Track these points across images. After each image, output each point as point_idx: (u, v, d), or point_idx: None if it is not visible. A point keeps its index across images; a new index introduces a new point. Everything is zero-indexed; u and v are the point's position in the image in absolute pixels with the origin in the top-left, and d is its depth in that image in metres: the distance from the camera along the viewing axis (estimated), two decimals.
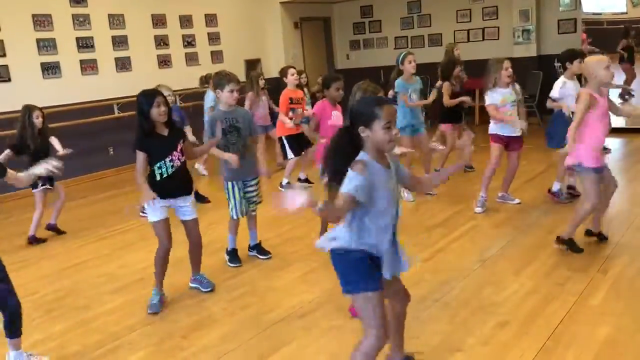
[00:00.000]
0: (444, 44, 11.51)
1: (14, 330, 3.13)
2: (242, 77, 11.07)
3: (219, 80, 4.39)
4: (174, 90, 9.49)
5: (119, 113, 8.79)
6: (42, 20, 8.26)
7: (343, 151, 2.41)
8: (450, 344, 3.17)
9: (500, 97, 5.18)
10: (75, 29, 8.67)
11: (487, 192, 5.46)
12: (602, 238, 4.48)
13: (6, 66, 7.89)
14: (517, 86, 5.41)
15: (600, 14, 9.98)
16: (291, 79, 6.63)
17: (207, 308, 3.91)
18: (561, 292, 3.67)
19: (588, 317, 3.34)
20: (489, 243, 4.66)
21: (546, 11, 10.54)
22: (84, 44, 8.79)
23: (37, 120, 5.56)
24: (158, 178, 3.77)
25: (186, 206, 3.95)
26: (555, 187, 5.65)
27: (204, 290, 4.14)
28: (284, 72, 6.91)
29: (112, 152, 8.88)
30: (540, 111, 9.60)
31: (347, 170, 2.32)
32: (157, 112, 3.66)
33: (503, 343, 3.14)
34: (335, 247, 2.48)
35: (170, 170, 3.78)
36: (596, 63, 4.04)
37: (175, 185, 3.84)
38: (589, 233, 4.52)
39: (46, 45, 8.32)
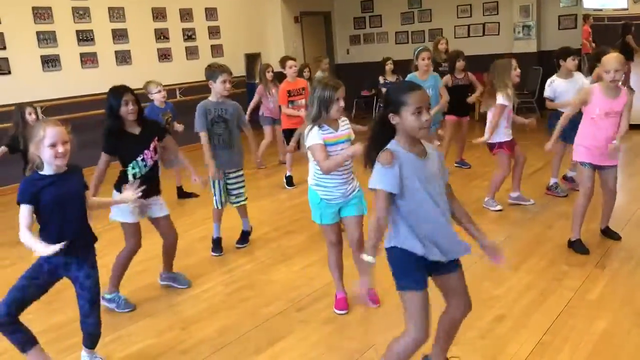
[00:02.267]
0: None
1: (90, 344, 3.16)
2: (242, 71, 11.12)
3: (212, 72, 4.44)
4: (176, 84, 9.61)
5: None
6: (42, 13, 8.25)
7: (377, 140, 2.38)
8: None
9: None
10: (76, 21, 8.67)
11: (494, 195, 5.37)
12: (609, 235, 4.42)
13: (6, 59, 7.89)
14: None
15: (601, 10, 9.95)
16: (289, 71, 6.57)
17: (206, 300, 3.93)
18: (559, 286, 3.69)
19: (585, 311, 3.36)
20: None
21: (547, 7, 10.54)
22: (84, 37, 8.78)
23: (30, 117, 5.49)
24: (131, 179, 3.65)
25: (157, 204, 3.88)
26: (552, 182, 5.67)
27: (179, 287, 4.12)
28: (282, 63, 6.87)
29: None
30: (539, 107, 9.60)
31: (375, 156, 2.33)
32: (126, 111, 3.59)
33: (501, 336, 3.16)
34: (388, 246, 2.45)
35: (144, 170, 3.72)
36: (602, 63, 3.93)
37: (149, 186, 3.70)
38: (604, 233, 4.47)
39: (46, 38, 8.32)
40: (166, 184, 4.34)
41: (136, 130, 3.70)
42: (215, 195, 4.61)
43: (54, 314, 3.83)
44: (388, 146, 2.34)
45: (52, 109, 8.10)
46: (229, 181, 4.62)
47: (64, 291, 4.26)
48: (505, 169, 5.24)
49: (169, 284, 4.17)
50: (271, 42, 11.76)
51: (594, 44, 9.53)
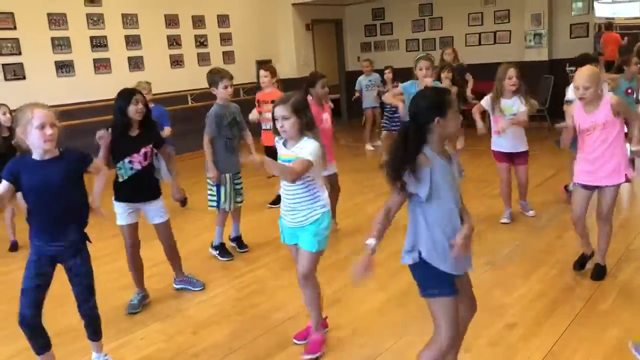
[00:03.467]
0: (455, 47, 11.52)
1: (93, 333, 3.20)
2: (253, 78, 11.18)
3: (213, 77, 4.56)
4: (187, 90, 9.68)
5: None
6: (57, 19, 8.36)
7: (409, 150, 2.31)
8: None
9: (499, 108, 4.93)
10: (90, 28, 8.77)
11: (510, 204, 5.27)
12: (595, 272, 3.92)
13: (21, 64, 7.99)
14: (528, 100, 4.98)
15: (613, 18, 9.95)
16: (261, 80, 6.25)
17: (217, 305, 3.95)
18: (570, 296, 3.68)
19: (596, 321, 3.34)
20: (499, 246, 4.66)
21: (558, 15, 10.52)
22: (98, 43, 8.88)
23: (4, 117, 5.39)
24: (120, 179, 3.74)
25: (153, 209, 3.89)
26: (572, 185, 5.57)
27: (194, 289, 4.19)
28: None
29: None
30: (551, 116, 9.58)
31: (407, 167, 2.29)
32: (134, 110, 3.64)
33: (511, 345, 3.16)
34: (414, 262, 2.45)
35: (129, 173, 3.71)
36: (575, 76, 3.72)
37: (134, 191, 3.76)
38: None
39: (61, 44, 8.42)
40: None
41: (134, 132, 3.72)
42: (221, 199, 4.64)
43: (66, 316, 3.86)
44: (423, 151, 2.33)
45: (65, 114, 8.17)
46: (236, 181, 4.70)
47: (72, 295, 4.31)
48: (502, 179, 5.15)
49: (184, 286, 4.22)
50: (282, 49, 11.82)
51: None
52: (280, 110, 2.92)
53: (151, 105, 5.83)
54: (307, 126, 2.98)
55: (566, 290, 3.75)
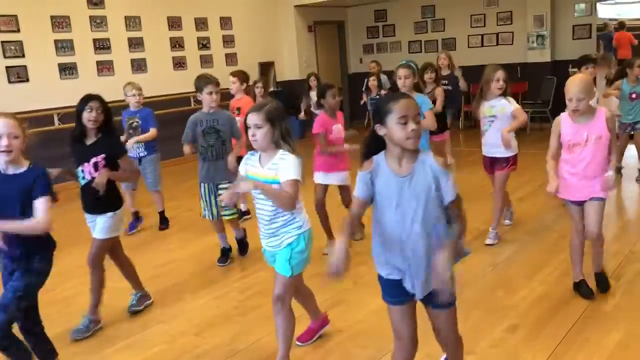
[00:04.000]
0: (457, 48, 11.55)
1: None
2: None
3: (198, 83, 4.45)
4: (190, 92, 9.66)
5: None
6: (60, 22, 8.38)
7: (368, 153, 2.33)
8: None
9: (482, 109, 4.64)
10: (93, 30, 8.79)
11: (503, 214, 5.00)
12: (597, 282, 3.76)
13: (25, 67, 8.01)
14: (506, 99, 4.59)
15: (616, 19, 9.94)
16: (233, 87, 5.93)
17: (220, 306, 3.95)
18: (573, 297, 3.67)
19: (599, 322, 3.34)
20: (501, 247, 4.66)
21: (561, 17, 10.51)
22: (101, 45, 8.90)
23: None
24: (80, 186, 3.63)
25: (97, 223, 3.63)
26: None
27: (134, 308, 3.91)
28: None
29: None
30: (553, 117, 9.57)
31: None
32: (87, 117, 3.46)
33: (514, 346, 3.16)
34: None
35: (82, 182, 3.59)
36: (566, 88, 3.42)
37: (85, 201, 3.64)
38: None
39: (64, 47, 8.44)
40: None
41: (89, 140, 3.55)
42: (204, 207, 4.57)
43: (71, 318, 3.87)
44: (374, 156, 2.31)
45: (68, 116, 8.21)
46: (220, 191, 4.36)
47: (80, 295, 4.33)
48: (495, 191, 4.75)
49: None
50: (285, 51, 11.83)
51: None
52: (253, 118, 2.72)
53: (139, 108, 5.75)
54: (282, 137, 2.75)
55: (569, 291, 3.74)
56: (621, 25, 9.72)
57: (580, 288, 3.68)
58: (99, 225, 3.62)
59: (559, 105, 5.49)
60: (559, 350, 3.07)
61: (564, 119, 3.51)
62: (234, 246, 4.89)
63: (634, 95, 6.31)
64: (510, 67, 10.80)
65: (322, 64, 12.52)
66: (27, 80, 8.04)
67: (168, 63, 9.83)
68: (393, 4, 12.30)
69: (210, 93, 4.42)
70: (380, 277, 2.41)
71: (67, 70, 8.49)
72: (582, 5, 10.25)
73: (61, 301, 4.19)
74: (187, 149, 4.53)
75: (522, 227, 5.13)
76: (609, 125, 3.39)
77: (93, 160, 3.51)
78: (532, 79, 10.41)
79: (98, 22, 8.84)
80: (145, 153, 5.67)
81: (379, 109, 2.26)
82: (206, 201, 4.55)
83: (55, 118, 8.08)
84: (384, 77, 9.36)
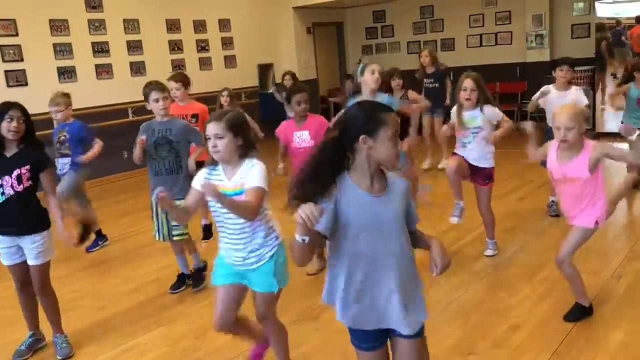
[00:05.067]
0: (457, 48, 11.56)
1: None
2: (255, 82, 11.21)
3: (144, 91, 4.00)
4: (189, 95, 9.65)
5: (133, 117, 8.87)
6: (58, 25, 8.38)
7: (324, 169, 1.94)
8: (463, 347, 3.18)
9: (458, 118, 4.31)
10: (91, 33, 8.79)
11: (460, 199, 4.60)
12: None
13: (23, 70, 8.01)
14: (490, 110, 4.29)
15: (614, 18, 9.94)
16: (177, 93, 5.11)
17: None
18: (574, 296, 3.66)
19: (601, 322, 3.33)
20: (502, 247, 4.65)
21: (560, 16, 10.50)
22: (100, 48, 8.90)
23: None
24: None
25: (29, 247, 3.26)
26: (550, 199, 5.35)
27: (57, 357, 3.44)
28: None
29: (126, 156, 8.95)
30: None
31: (323, 193, 1.91)
32: (6, 127, 3.15)
33: (516, 346, 3.15)
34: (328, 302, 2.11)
35: (1, 198, 3.18)
36: (554, 115, 3.16)
37: (5, 221, 3.22)
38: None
39: (62, 50, 8.44)
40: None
41: (10, 152, 3.22)
42: (155, 226, 4.08)
43: (70, 322, 3.86)
44: (339, 179, 1.95)
45: None
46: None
47: (81, 299, 4.33)
48: (485, 211, 4.48)
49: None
50: (284, 52, 11.83)
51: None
52: (213, 128, 2.52)
53: (70, 121, 5.25)
54: (246, 148, 2.58)
55: (570, 290, 3.73)
56: (638, 19, 9.60)
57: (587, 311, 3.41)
58: (36, 248, 3.26)
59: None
60: (561, 350, 3.06)
61: (552, 147, 3.25)
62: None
63: None
64: (510, 67, 10.85)
65: (321, 66, 12.53)
66: (26, 84, 8.04)
67: (167, 66, 9.82)
68: (391, 4, 12.30)
69: (157, 100, 3.90)
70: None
71: (66, 73, 8.49)
72: (581, 4, 10.24)
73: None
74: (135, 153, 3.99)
75: (522, 227, 5.12)
76: (592, 165, 3.07)
77: (16, 172, 3.17)
78: (532, 78, 10.38)
79: (97, 26, 8.84)
80: (70, 169, 5.13)
81: (365, 117, 1.94)
82: (157, 220, 4.04)
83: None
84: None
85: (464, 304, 3.71)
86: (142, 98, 4.07)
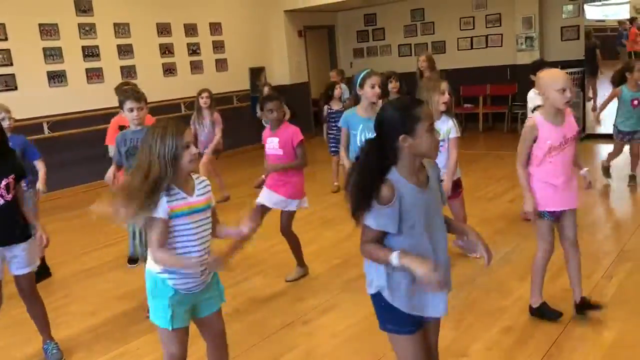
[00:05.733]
0: (447, 51, 11.60)
1: None
2: (246, 85, 11.20)
3: (119, 97, 3.85)
4: (180, 98, 9.67)
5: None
6: (48, 30, 8.34)
7: (372, 172, 2.02)
8: (455, 349, 3.18)
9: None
10: (81, 37, 8.75)
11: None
12: (587, 307, 3.43)
13: (13, 75, 7.95)
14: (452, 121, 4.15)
15: (604, 21, 10.01)
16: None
17: None
18: (566, 297, 3.66)
19: (593, 322, 3.34)
20: (494, 249, 4.57)
21: (549, 18, 10.57)
22: (90, 52, 8.86)
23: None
24: None
25: (19, 256, 3.20)
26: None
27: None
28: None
29: None
30: None
31: (370, 195, 2.00)
32: None
33: (508, 348, 3.15)
34: (374, 291, 2.16)
35: None
36: (550, 81, 3.11)
37: (6, 228, 3.14)
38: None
39: (52, 54, 8.40)
40: None
41: None
42: (130, 243, 3.96)
43: (60, 329, 3.83)
44: (389, 176, 2.03)
45: (58, 124, 8.17)
46: None
47: (71, 305, 4.30)
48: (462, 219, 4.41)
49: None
50: (275, 56, 11.83)
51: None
52: (189, 136, 2.41)
53: (8, 134, 4.94)
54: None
55: (562, 291, 3.74)
56: (631, 21, 9.66)
57: (545, 312, 3.42)
58: (25, 255, 3.21)
59: None
60: (553, 351, 3.07)
61: (540, 121, 3.17)
62: None
63: (635, 102, 5.91)
64: (500, 69, 10.90)
65: (312, 69, 12.54)
66: (16, 88, 7.98)
67: (158, 69, 9.80)
68: (383, 7, 12.34)
69: (131, 110, 3.73)
70: (393, 310, 2.12)
71: (56, 78, 8.44)
72: (570, 7, 10.31)
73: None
74: (109, 172, 3.87)
75: (513, 229, 5.13)
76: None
77: (4, 182, 3.08)
78: (522, 80, 10.41)
79: (87, 30, 8.80)
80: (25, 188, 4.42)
81: (402, 117, 2.02)
82: (134, 236, 3.90)
83: (45, 126, 8.03)
84: (344, 87, 8.26)
85: (456, 306, 3.70)
86: None
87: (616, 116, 6.15)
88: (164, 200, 2.29)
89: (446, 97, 3.99)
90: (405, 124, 2.01)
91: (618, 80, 6.11)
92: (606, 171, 6.45)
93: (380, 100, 4.17)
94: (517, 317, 3.49)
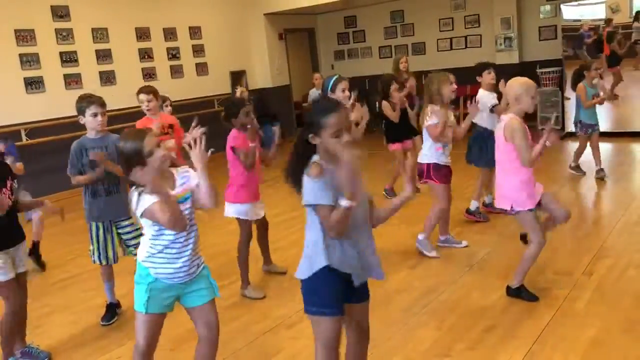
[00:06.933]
0: (427, 52, 11.67)
1: None
2: (227, 89, 11.16)
3: (79, 104, 3.77)
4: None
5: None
6: (24, 35, 8.23)
7: (300, 157, 2.31)
8: (438, 349, 3.20)
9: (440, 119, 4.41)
10: (59, 43, 8.65)
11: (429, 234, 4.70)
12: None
13: None
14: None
15: (579, 20, 10.13)
16: (150, 105, 4.85)
17: None
18: (547, 295, 3.71)
19: (574, 319, 3.38)
20: (475, 249, 4.69)
21: (527, 18, 10.69)
22: (68, 58, 8.77)
23: None
24: None
25: (21, 255, 3.37)
26: (473, 205, 5.42)
27: None
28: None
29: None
30: (523, 118, 9.69)
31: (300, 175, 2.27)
32: None
33: (491, 347, 3.17)
34: (316, 269, 2.30)
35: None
36: (525, 88, 3.50)
37: (13, 229, 3.29)
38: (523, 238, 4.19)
39: (29, 60, 8.29)
40: None
41: None
42: (95, 249, 3.87)
43: (43, 337, 3.78)
44: (313, 159, 2.28)
45: (36, 131, 8.07)
46: (121, 231, 3.86)
47: (53, 314, 4.24)
48: (443, 204, 4.58)
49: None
50: (256, 59, 11.81)
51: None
52: (154, 141, 2.61)
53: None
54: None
55: (543, 290, 3.78)
56: (607, 22, 9.83)
57: (523, 292, 3.67)
58: (23, 255, 3.39)
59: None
60: (535, 349, 3.09)
61: (523, 122, 3.52)
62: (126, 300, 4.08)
63: (595, 97, 6.48)
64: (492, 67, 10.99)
65: (293, 71, 12.54)
66: None
67: (137, 74, 9.73)
68: (362, 10, 12.38)
69: (95, 115, 3.70)
70: (325, 287, 2.29)
71: (34, 84, 8.34)
72: (548, 7, 10.44)
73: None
74: (82, 178, 3.76)
75: (494, 229, 5.17)
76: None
77: (9, 184, 3.21)
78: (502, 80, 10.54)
79: (64, 35, 8.71)
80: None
81: (312, 120, 2.26)
82: (99, 242, 3.84)
83: (23, 133, 7.93)
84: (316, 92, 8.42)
85: (438, 307, 3.73)
86: (114, 107, 3.96)
87: (579, 111, 6.61)
88: (140, 194, 2.49)
89: (454, 86, 4.45)
90: (313, 126, 2.25)
91: (576, 80, 6.63)
92: (578, 169, 6.75)
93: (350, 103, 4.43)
94: (499, 315, 3.51)
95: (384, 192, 6.62)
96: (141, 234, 2.79)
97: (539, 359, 3.01)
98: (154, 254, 2.59)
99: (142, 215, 2.52)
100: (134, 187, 2.52)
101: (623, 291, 3.69)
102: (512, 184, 3.52)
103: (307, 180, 2.25)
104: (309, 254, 2.33)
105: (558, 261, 4.25)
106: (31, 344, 3.57)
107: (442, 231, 4.78)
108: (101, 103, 3.74)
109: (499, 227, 5.19)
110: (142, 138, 2.53)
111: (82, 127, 3.83)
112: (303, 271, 2.34)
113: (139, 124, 4.77)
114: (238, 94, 8.40)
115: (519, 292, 3.68)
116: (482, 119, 5.21)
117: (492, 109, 5.16)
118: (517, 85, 3.53)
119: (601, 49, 9.52)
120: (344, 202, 2.17)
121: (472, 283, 4.05)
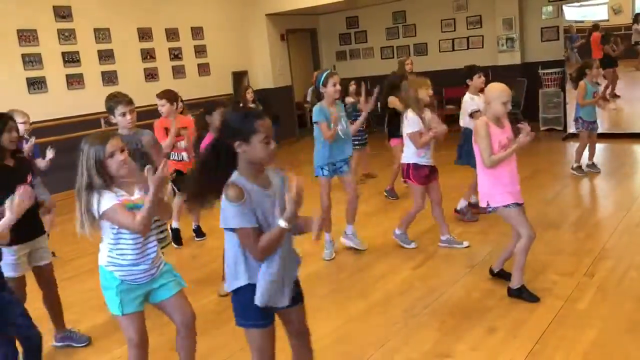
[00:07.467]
0: (429, 53, 11.67)
1: None
2: (229, 89, 11.17)
3: (108, 104, 3.90)
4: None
5: (105, 127, 8.76)
6: (27, 36, 8.25)
7: (213, 173, 2.22)
8: (439, 350, 3.19)
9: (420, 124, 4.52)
10: (61, 43, 8.67)
11: (405, 229, 4.87)
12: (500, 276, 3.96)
13: None
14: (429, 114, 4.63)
15: (582, 21, 10.11)
16: (163, 109, 5.29)
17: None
18: (548, 296, 3.70)
19: (575, 320, 3.37)
20: (477, 249, 4.69)
21: (529, 19, 10.68)
22: (70, 58, 8.78)
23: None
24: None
25: (42, 248, 3.48)
26: (461, 204, 5.48)
27: (77, 345, 3.69)
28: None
29: None
30: (525, 117, 9.69)
31: (214, 193, 2.19)
32: (8, 138, 3.25)
33: (492, 348, 3.17)
34: (239, 286, 2.29)
35: None
36: (497, 94, 3.57)
37: (32, 224, 3.36)
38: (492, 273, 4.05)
39: (32, 61, 8.31)
40: None
41: (10, 162, 3.33)
42: None
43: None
44: (232, 179, 2.20)
45: (39, 131, 8.06)
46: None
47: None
48: (419, 204, 4.69)
49: (67, 343, 3.70)
50: (258, 59, 11.81)
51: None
52: (119, 141, 2.66)
53: (27, 136, 5.32)
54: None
55: (544, 290, 3.77)
56: (595, 27, 9.85)
57: (524, 293, 3.68)
58: (45, 247, 3.51)
59: (530, 107, 5.55)
60: (536, 349, 3.09)
61: (487, 124, 3.57)
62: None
63: (595, 94, 6.56)
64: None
65: (295, 72, 12.54)
66: None
67: (139, 75, 9.74)
68: (364, 10, 12.38)
69: (124, 114, 3.83)
70: (253, 302, 2.26)
71: (36, 84, 8.35)
72: (550, 8, 10.42)
73: None
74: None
75: (495, 229, 5.15)
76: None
77: (29, 179, 3.32)
78: (503, 81, 10.46)
79: (67, 35, 8.72)
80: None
81: (240, 126, 2.18)
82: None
83: (26, 134, 7.92)
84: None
85: (440, 307, 3.72)
86: None
87: (579, 109, 6.67)
88: (113, 196, 2.55)
89: (430, 91, 4.57)
90: (241, 133, 2.18)
91: (577, 77, 6.68)
92: (579, 169, 6.72)
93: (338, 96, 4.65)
94: (501, 316, 3.51)
95: (384, 193, 6.62)
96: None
97: (540, 359, 3.00)
98: (114, 258, 2.67)
99: (101, 217, 2.55)
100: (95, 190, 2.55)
101: (624, 292, 3.68)
102: (484, 182, 3.67)
103: (226, 204, 2.16)
104: (231, 272, 2.31)
105: (559, 262, 4.24)
106: (72, 329, 3.76)
107: (444, 232, 4.78)
108: (127, 102, 3.85)
109: (501, 227, 5.16)
110: (106, 140, 2.58)
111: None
112: (230, 286, 2.34)
113: (156, 123, 5.27)
114: (249, 96, 8.38)
115: (520, 293, 3.68)
116: (467, 122, 5.32)
117: (472, 115, 5.19)
118: (492, 90, 3.64)
119: (590, 53, 9.52)
120: (282, 224, 2.15)
121: (474, 283, 4.04)
